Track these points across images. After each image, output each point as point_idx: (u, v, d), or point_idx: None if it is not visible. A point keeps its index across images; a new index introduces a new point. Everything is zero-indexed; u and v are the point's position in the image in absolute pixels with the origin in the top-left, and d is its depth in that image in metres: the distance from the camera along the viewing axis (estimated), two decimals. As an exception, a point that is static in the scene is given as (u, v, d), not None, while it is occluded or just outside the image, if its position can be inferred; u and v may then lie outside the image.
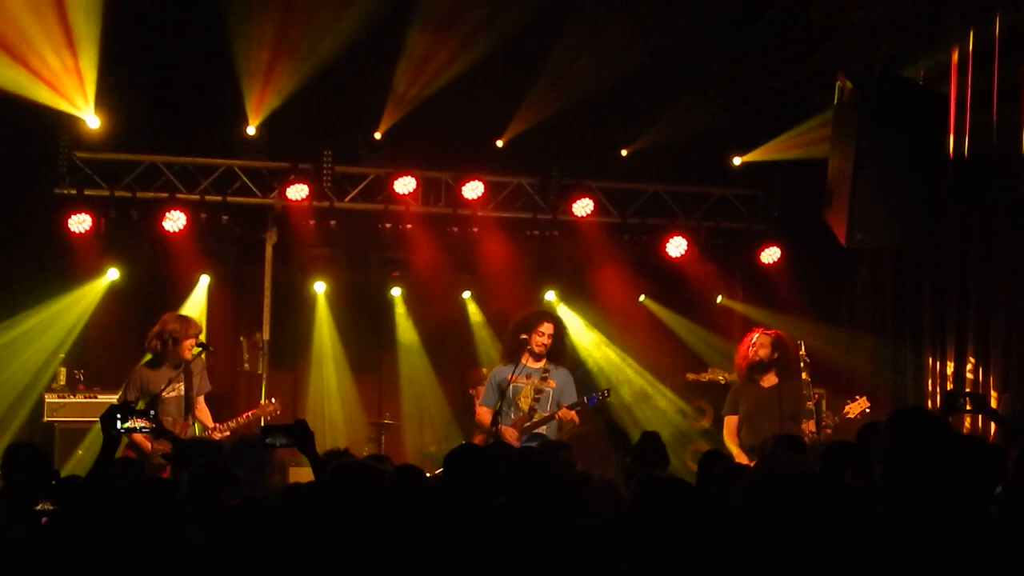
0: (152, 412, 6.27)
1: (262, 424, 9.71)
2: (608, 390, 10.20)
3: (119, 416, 5.93)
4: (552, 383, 9.80)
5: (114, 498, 5.18)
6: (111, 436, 5.94)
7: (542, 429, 9.67)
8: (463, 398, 12.51)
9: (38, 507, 5.54)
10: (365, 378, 13.11)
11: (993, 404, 9.72)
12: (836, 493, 4.93)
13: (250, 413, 9.87)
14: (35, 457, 6.40)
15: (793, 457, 6.70)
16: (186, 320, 9.69)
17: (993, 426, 9.16)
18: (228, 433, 9.62)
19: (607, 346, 13.19)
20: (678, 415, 12.72)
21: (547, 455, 6.85)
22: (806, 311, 12.07)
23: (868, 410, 9.50)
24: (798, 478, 4.22)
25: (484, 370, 12.06)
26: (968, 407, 7.73)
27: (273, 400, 10.21)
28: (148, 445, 9.03)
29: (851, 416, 9.52)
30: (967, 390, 10.19)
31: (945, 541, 4.13)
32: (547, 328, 9.85)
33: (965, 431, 9.74)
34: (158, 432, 6.56)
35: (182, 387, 9.36)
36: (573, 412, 9.70)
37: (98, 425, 5.88)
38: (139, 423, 6.07)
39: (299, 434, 5.98)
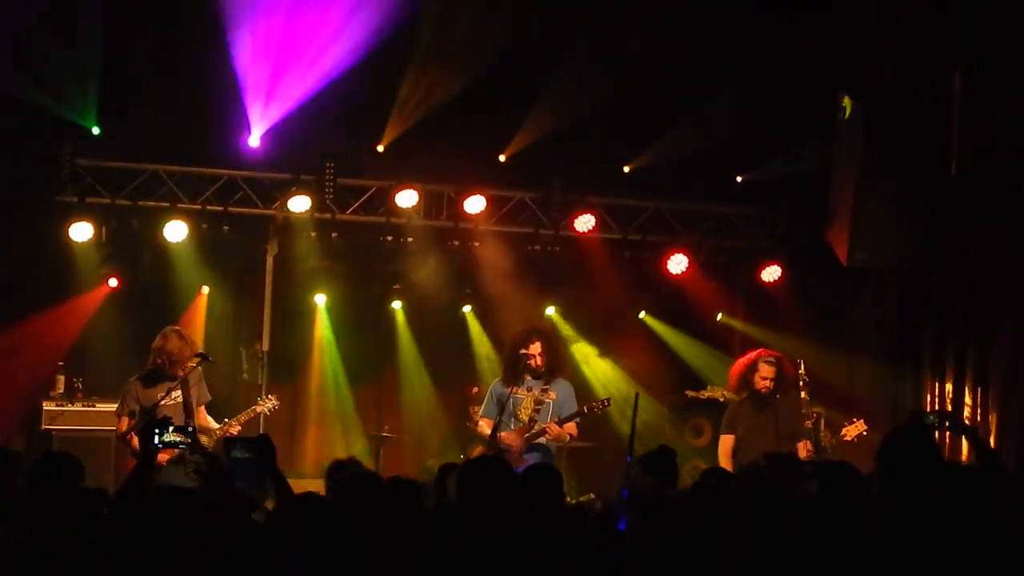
0: (190, 428, 6.28)
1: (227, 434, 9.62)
2: (608, 399, 10.16)
3: (156, 431, 5.91)
4: (552, 395, 9.76)
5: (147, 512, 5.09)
6: (148, 450, 5.92)
7: (543, 439, 9.64)
8: (462, 412, 12.47)
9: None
10: (364, 390, 13.06)
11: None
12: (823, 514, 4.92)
13: (249, 411, 9.82)
14: (68, 468, 6.25)
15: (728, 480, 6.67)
16: (187, 341, 9.55)
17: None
18: (240, 428, 9.58)
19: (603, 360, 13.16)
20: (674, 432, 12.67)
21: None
22: (806, 330, 12.00)
23: (865, 432, 9.42)
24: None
25: (475, 388, 12.14)
26: (934, 422, 7.27)
27: (270, 396, 10.12)
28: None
29: (848, 439, 9.45)
30: (933, 408, 10.19)
31: (943, 559, 4.11)
32: (535, 348, 9.79)
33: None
34: (194, 447, 6.49)
35: (180, 395, 9.30)
36: (571, 425, 9.68)
37: (96, 433, 5.85)
38: (176, 438, 6.05)
39: (261, 449, 5.72)
